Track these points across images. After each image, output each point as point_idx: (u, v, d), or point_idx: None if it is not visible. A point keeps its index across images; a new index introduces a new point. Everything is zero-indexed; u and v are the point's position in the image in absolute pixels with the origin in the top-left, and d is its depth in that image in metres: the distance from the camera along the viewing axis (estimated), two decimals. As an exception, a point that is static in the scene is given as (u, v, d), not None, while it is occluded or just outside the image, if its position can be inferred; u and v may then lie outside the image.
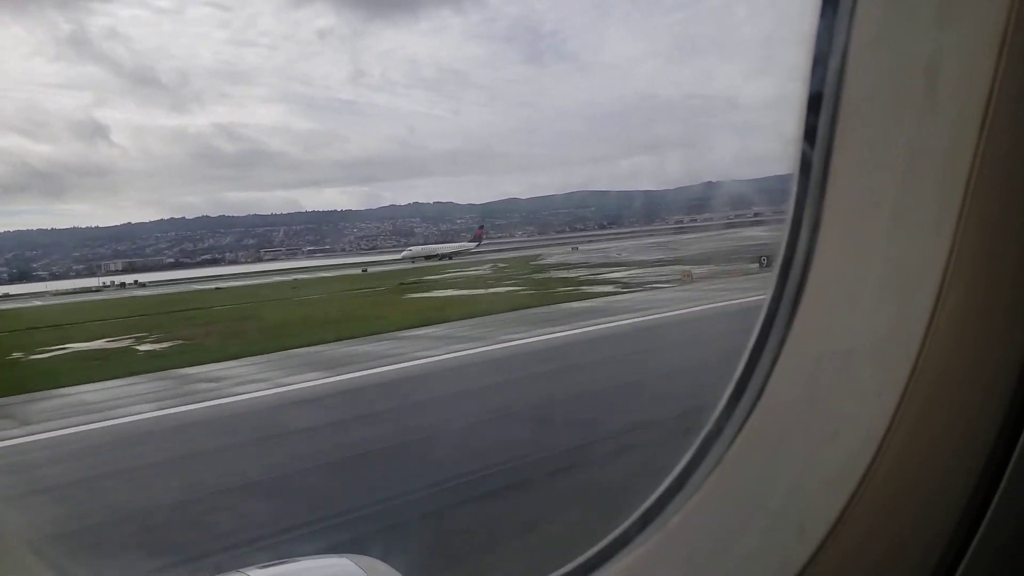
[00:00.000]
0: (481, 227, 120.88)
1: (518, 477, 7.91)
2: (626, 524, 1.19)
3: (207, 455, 10.22)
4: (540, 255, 73.16)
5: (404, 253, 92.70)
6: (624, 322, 19.53)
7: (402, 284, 46.22)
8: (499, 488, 7.64)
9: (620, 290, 30.41)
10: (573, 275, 41.98)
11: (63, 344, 26.05)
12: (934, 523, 0.91)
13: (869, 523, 0.94)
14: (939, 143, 0.87)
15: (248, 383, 15.49)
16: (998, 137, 0.82)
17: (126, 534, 7.60)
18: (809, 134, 1.00)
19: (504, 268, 56.33)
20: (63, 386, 16.86)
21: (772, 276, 1.08)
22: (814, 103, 0.99)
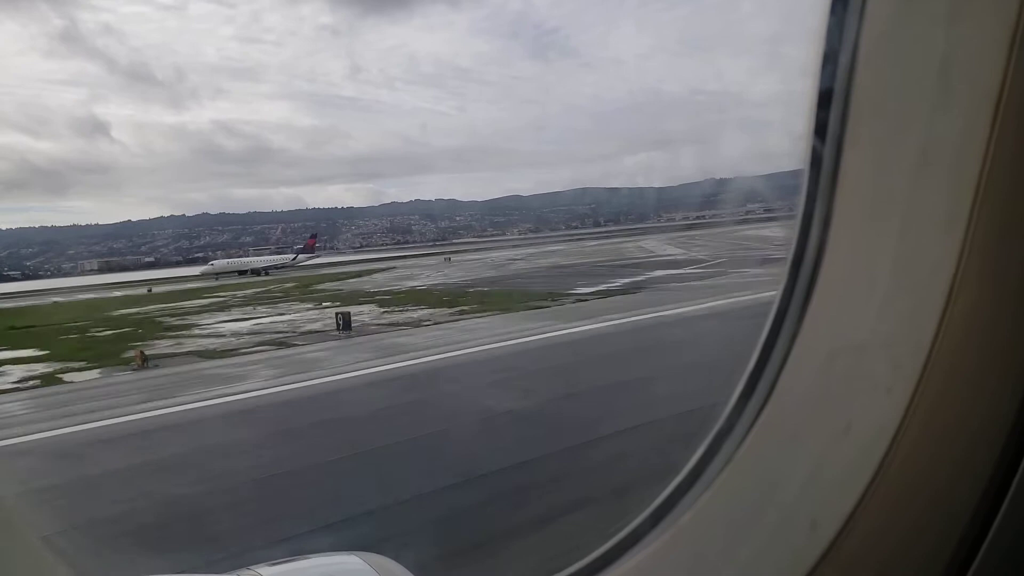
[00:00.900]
0: (313, 235, 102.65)
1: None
2: (636, 522, 1.20)
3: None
4: (369, 272, 60.22)
5: (205, 268, 75.15)
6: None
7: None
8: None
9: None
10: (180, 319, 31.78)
11: None
12: (947, 517, 0.91)
13: (882, 518, 0.94)
14: (951, 139, 0.87)
15: None
16: (1010, 133, 0.82)
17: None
18: (820, 130, 1.00)
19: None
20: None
21: (783, 272, 1.08)
22: (824, 99, 0.99)
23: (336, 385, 14.35)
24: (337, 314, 25.91)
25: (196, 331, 28.31)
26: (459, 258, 75.23)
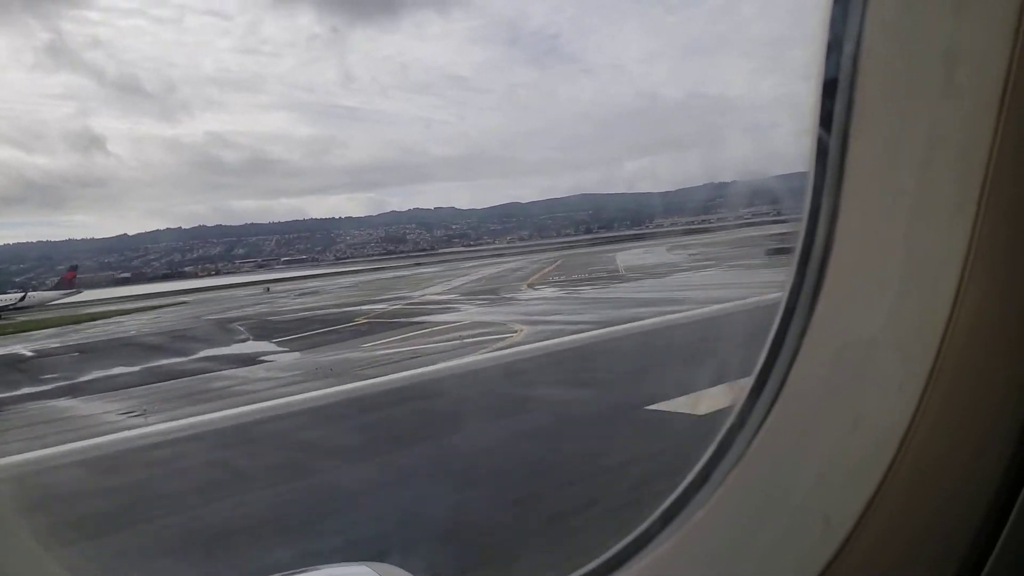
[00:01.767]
0: (73, 267, 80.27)
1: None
2: (648, 521, 1.19)
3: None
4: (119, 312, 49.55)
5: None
6: None
7: None
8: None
9: None
10: None
11: None
12: (961, 512, 0.91)
13: (895, 514, 0.93)
14: (957, 129, 0.87)
15: None
16: (1016, 123, 0.82)
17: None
18: (825, 122, 1.00)
19: None
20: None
21: (791, 267, 1.08)
22: (829, 91, 0.99)
23: None
24: None
25: None
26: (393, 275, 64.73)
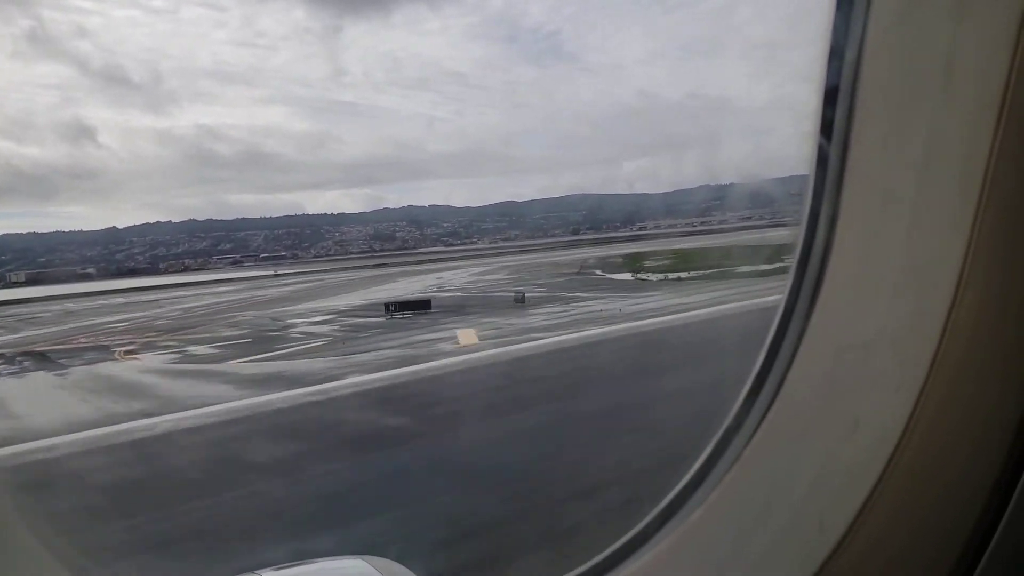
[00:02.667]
0: None
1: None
2: (645, 521, 1.18)
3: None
4: None
5: None
6: None
7: None
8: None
9: None
10: None
11: None
12: (955, 515, 0.91)
13: (890, 517, 0.94)
14: (957, 136, 0.88)
15: None
16: (1015, 129, 0.83)
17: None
18: (825, 128, 1.01)
19: None
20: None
21: (790, 270, 1.08)
22: (830, 96, 0.99)
23: None
24: None
25: None
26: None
